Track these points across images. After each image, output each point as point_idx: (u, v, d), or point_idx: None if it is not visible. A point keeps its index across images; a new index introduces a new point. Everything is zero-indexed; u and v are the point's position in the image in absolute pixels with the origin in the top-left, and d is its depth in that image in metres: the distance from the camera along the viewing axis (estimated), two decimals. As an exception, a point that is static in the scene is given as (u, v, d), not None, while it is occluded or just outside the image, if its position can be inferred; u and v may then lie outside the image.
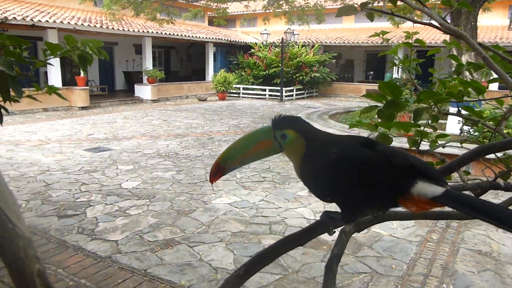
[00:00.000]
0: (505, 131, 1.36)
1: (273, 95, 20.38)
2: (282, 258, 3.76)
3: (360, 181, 0.87)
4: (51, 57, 1.15)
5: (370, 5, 1.16)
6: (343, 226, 1.05)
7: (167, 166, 6.99)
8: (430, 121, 1.31)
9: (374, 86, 18.73)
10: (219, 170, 1.03)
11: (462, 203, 0.80)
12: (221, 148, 8.50)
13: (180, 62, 26.39)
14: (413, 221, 4.72)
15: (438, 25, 1.07)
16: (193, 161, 7.42)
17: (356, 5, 1.25)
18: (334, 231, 0.99)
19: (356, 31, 23.97)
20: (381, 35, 1.67)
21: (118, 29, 15.80)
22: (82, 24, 14.21)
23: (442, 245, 4.16)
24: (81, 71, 14.62)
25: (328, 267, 0.93)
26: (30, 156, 7.58)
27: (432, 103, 1.19)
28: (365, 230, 4.33)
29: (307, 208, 5.09)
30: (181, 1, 15.41)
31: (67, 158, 7.44)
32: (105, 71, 20.54)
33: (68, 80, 16.98)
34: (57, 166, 6.88)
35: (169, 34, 18.50)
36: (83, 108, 14.74)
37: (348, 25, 25.81)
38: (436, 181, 0.84)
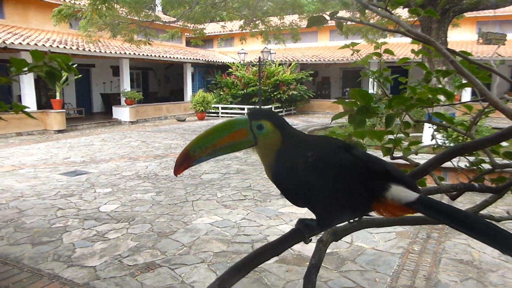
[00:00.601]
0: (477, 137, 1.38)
1: (252, 114, 20.44)
2: (265, 276, 3.70)
3: (337, 187, 0.85)
4: (26, 72, 1.12)
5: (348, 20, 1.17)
6: (320, 235, 1.03)
7: (147, 188, 6.87)
8: (402, 128, 1.32)
9: (351, 102, 19.00)
10: (186, 160, 0.97)
11: (435, 209, 0.80)
12: (201, 168, 8.43)
13: (158, 83, 26.35)
14: (394, 233, 4.74)
15: (407, 33, 1.09)
16: (173, 181, 7.31)
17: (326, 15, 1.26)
18: (311, 239, 0.97)
19: (331, 49, 24.47)
20: (351, 47, 1.70)
21: (94, 51, 15.69)
22: (57, 46, 14.04)
23: (424, 256, 4.17)
24: (57, 93, 14.41)
25: (307, 278, 0.90)
26: (1, 182, 7.33)
27: (402, 109, 1.20)
28: (347, 244, 4.33)
29: (289, 224, 5.05)
30: (158, 22, 15.44)
31: (42, 183, 7.22)
32: (82, 93, 20.29)
33: (44, 103, 16.66)
34: (32, 191, 6.67)
35: (147, 55, 18.47)
36: (59, 131, 14.44)
37: (323, 43, 26.35)
38: (409, 186, 0.84)
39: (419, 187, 0.90)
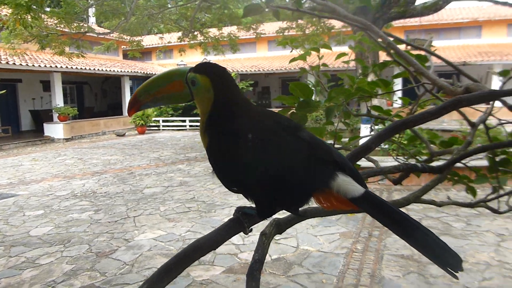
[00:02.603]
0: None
1: (194, 126, 20.22)
2: (212, 288, 3.58)
3: (279, 173, 0.78)
4: None
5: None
6: (263, 229, 0.96)
7: (84, 207, 6.46)
8: (342, 119, 1.30)
9: (292, 111, 19.42)
10: (135, 103, 0.96)
11: (379, 210, 0.75)
12: (143, 182, 8.12)
13: (95, 98, 25.25)
14: (338, 234, 4.82)
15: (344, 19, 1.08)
16: (112, 198, 6.95)
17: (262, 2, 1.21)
18: (251, 229, 0.89)
19: (270, 59, 24.92)
20: (289, 43, 1.67)
21: (20, 64, 14.68)
22: (-24, 61, 12.99)
23: (367, 254, 4.27)
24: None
25: (250, 275, 0.83)
26: None
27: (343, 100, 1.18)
28: (293, 249, 4.33)
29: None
30: (92, 34, 14.80)
31: (-37, 209, 6.55)
32: (8, 111, 18.86)
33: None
34: (-50, 218, 6.01)
35: (81, 68, 17.61)
36: (-18, 153, 13.29)
37: (262, 53, 26.78)
38: (356, 179, 0.79)
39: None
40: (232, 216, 0.94)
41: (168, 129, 20.47)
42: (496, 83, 16.64)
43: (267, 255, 0.90)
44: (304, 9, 1.13)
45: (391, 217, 0.74)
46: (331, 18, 1.20)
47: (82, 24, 13.99)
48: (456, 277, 0.73)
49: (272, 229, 0.92)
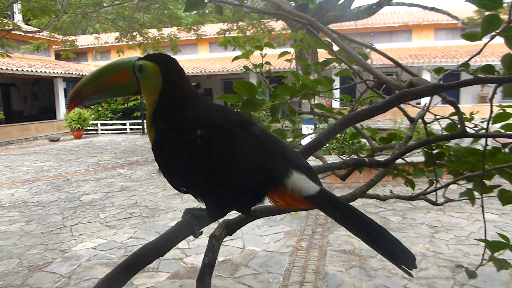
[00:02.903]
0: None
1: (134, 129, 19.58)
2: (157, 296, 3.46)
3: (231, 171, 0.75)
4: None
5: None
6: (213, 232, 0.92)
7: (13, 218, 5.99)
8: (288, 116, 1.29)
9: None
10: (77, 96, 0.90)
11: (334, 208, 0.74)
12: (80, 189, 7.70)
13: (24, 101, 23.60)
14: (283, 233, 4.87)
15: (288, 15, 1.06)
16: (46, 207, 6.51)
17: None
18: (201, 232, 0.85)
19: (211, 61, 24.81)
20: (232, 42, 1.64)
21: None
22: None
23: (311, 251, 4.35)
24: None
25: (200, 280, 0.78)
26: None
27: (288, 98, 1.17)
28: (240, 250, 4.31)
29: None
30: (19, 32, 13.80)
31: None
32: None
33: None
34: None
35: (6, 69, 16.38)
36: None
37: (203, 55, 26.60)
38: (310, 176, 0.76)
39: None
40: (180, 219, 0.88)
41: (107, 133, 19.64)
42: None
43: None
44: (248, 5, 1.11)
45: (346, 215, 0.73)
46: (274, 14, 1.19)
47: (6, 21, 12.99)
48: (411, 275, 0.74)
49: (222, 231, 0.89)
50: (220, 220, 0.92)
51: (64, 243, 4.82)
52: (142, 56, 0.86)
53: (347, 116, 0.92)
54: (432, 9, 13.79)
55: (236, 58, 1.89)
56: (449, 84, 0.82)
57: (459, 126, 1.00)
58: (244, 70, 1.91)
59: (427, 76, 19.38)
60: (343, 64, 1.40)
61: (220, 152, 0.76)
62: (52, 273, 4.01)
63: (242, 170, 0.75)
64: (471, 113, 1.53)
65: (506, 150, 1.43)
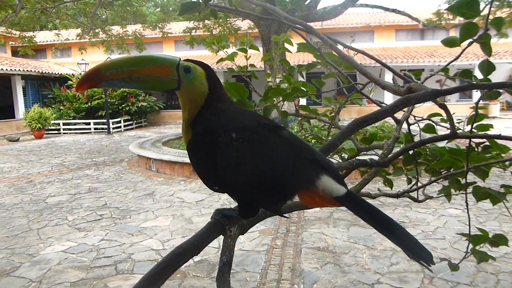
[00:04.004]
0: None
1: (99, 128, 19.05)
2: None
3: (265, 173, 0.78)
4: None
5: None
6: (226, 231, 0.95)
7: (-26, 222, 5.72)
8: (280, 117, 1.33)
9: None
10: (94, 77, 0.85)
11: (361, 208, 0.79)
12: (45, 191, 7.44)
13: (-21, 99, 22.43)
14: (258, 231, 4.93)
15: (284, 20, 1.11)
16: (9, 210, 6.26)
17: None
18: (231, 231, 0.88)
19: (178, 59, 24.50)
20: (216, 43, 1.67)
21: None
22: None
23: (286, 249, 4.43)
24: None
25: (220, 278, 0.81)
26: None
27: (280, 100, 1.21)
28: (215, 250, 4.33)
29: (154, 239, 4.80)
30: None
31: None
32: None
33: None
34: None
35: (-40, 66, 15.54)
36: None
37: (169, 53, 26.17)
38: (337, 179, 0.82)
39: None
40: (210, 220, 0.91)
41: (70, 133, 19.00)
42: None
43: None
44: (243, 11, 1.14)
45: (373, 215, 0.78)
46: (270, 19, 1.23)
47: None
48: (430, 270, 0.81)
49: (236, 230, 0.92)
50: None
51: (31, 247, 4.67)
52: (186, 59, 0.89)
53: (357, 119, 0.98)
54: (393, 10, 14.24)
55: (221, 60, 1.92)
56: (446, 90, 0.89)
57: (449, 127, 1.08)
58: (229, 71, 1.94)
59: (388, 77, 20.00)
60: (329, 66, 1.46)
61: (253, 154, 0.79)
62: (21, 278, 3.88)
63: (275, 172, 0.79)
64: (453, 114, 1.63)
65: (479, 149, 1.54)
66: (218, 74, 20.43)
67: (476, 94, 19.72)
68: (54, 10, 15.35)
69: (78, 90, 0.89)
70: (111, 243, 4.71)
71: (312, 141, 6.81)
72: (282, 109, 1.53)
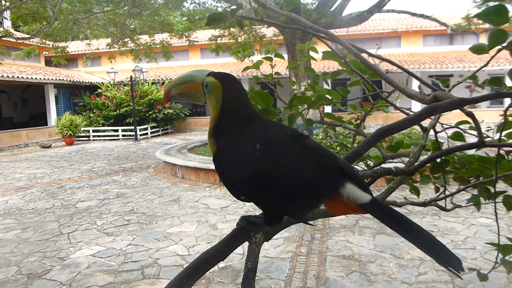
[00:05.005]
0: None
1: (127, 135, 19.50)
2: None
3: (288, 182, 0.80)
4: None
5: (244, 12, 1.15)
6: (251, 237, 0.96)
7: (9, 225, 5.95)
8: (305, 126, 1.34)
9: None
10: (167, 93, 1.03)
11: (386, 215, 0.79)
12: (75, 196, 7.66)
13: (14, 107, 23.37)
14: (282, 239, 4.91)
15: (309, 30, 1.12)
16: (42, 214, 6.47)
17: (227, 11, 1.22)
18: (256, 237, 0.90)
19: (203, 67, 24.82)
20: (242, 52, 1.70)
21: None
22: None
23: (311, 256, 4.40)
24: None
25: (245, 284, 0.83)
26: None
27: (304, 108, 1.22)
28: (240, 256, 4.34)
29: (179, 244, 4.86)
30: (9, 39, 13.73)
31: None
32: None
33: None
34: None
35: (-3, 76, 16.24)
36: None
37: (195, 61, 26.63)
38: (362, 187, 0.82)
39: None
40: (236, 226, 0.93)
41: (99, 140, 19.53)
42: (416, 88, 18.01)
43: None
44: (268, 21, 1.16)
45: (399, 222, 0.78)
46: (292, 28, 1.24)
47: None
48: (460, 277, 0.80)
49: (261, 236, 0.93)
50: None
51: (62, 251, 4.81)
52: (212, 72, 0.95)
53: (381, 128, 0.98)
54: (421, 15, 14.01)
55: (246, 68, 1.94)
56: (472, 98, 0.88)
57: (477, 135, 1.07)
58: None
59: (416, 83, 19.66)
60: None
61: (278, 164, 0.81)
62: (52, 281, 4.00)
63: (300, 181, 0.80)
64: (480, 121, 1.60)
65: (510, 157, 1.50)
66: (244, 81, 20.62)
67: (507, 101, 19.12)
68: (85, 21, 15.86)
69: (164, 103, 1.09)
70: (138, 248, 4.80)
71: (337, 148, 6.75)
72: (307, 117, 1.54)
